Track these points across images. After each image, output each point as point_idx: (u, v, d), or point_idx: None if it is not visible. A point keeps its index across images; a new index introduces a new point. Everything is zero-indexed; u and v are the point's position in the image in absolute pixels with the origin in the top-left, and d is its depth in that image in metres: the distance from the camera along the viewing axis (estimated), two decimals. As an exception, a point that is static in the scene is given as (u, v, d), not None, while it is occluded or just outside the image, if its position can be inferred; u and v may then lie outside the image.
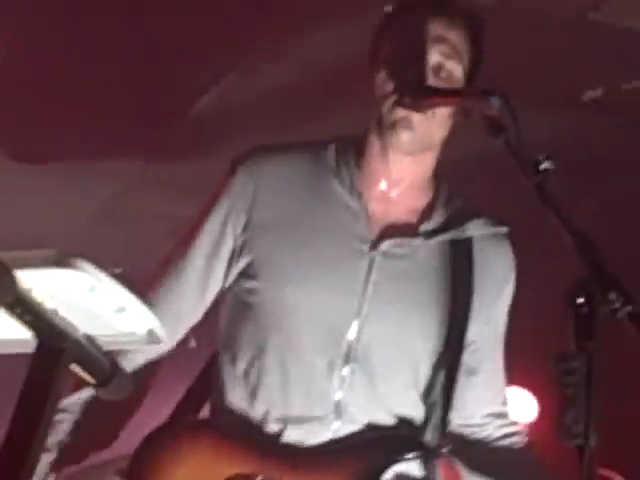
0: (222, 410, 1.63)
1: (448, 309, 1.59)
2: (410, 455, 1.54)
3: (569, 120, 3.14)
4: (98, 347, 1.00)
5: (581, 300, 1.23)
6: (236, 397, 1.60)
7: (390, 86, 1.57)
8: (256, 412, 1.57)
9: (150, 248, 2.30)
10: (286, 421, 1.54)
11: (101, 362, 1.02)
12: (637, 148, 3.27)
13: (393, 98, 1.55)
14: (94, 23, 2.84)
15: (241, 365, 1.60)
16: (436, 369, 1.60)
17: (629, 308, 1.21)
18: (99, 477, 2.84)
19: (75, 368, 1.00)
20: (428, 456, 1.57)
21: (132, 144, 3.51)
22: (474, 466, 1.66)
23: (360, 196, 1.62)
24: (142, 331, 1.00)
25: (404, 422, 1.59)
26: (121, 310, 0.95)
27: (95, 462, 2.79)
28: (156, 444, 1.56)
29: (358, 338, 1.56)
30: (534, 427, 3.98)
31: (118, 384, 1.04)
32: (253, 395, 1.58)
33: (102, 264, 0.90)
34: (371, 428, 1.56)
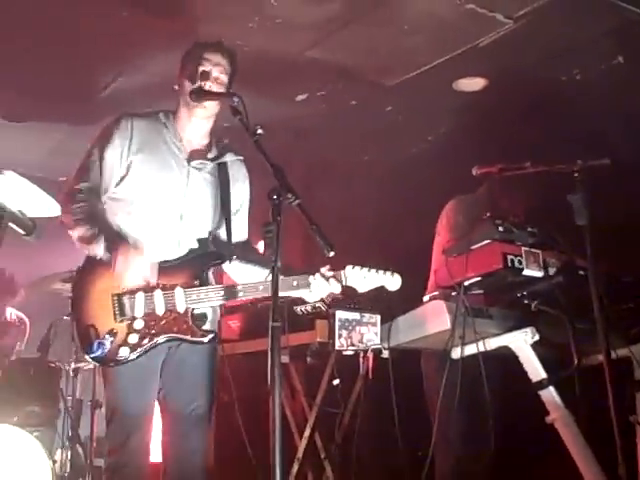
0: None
1: (221, 191, 3.05)
2: (217, 261, 2.94)
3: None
4: (24, 214, 2.18)
5: (275, 196, 2.39)
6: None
7: (189, 89, 2.95)
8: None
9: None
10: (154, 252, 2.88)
11: (25, 221, 2.18)
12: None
13: (192, 96, 2.93)
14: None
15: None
16: (219, 220, 3.05)
17: (298, 201, 2.40)
18: (51, 283, 4.31)
19: (11, 225, 2.16)
20: (224, 260, 2.96)
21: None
22: (247, 260, 3.06)
23: (180, 138, 3.03)
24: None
25: (204, 242, 2.97)
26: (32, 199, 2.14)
27: (46, 274, 4.28)
28: (83, 272, 2.88)
29: (186, 198, 2.97)
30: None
31: (36, 234, 2.22)
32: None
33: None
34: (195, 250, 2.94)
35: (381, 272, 2.83)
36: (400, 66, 4.89)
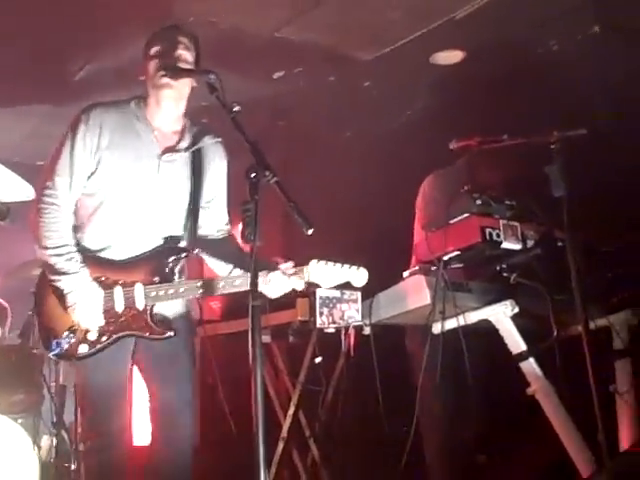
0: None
1: (193, 184, 2.95)
2: (180, 255, 2.89)
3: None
4: None
5: (252, 174, 2.37)
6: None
7: (158, 68, 2.83)
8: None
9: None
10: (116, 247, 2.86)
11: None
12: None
13: (161, 73, 2.81)
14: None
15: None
16: (188, 213, 2.95)
17: (275, 178, 2.37)
18: (30, 269, 4.31)
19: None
20: (187, 254, 2.92)
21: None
22: (212, 254, 3.02)
23: (152, 128, 2.92)
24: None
25: (173, 238, 2.91)
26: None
27: (26, 260, 4.28)
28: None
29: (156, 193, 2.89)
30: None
31: (10, 218, 2.19)
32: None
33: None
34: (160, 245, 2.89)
35: (346, 267, 2.78)
36: (376, 41, 4.85)
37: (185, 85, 2.88)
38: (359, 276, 2.80)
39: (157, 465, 2.87)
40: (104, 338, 2.78)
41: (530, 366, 3.18)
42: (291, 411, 3.92)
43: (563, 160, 2.95)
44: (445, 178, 3.79)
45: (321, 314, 3.44)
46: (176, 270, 2.88)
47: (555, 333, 3.11)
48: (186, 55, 2.87)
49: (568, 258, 2.87)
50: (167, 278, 2.82)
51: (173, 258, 2.86)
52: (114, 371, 2.84)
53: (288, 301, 3.58)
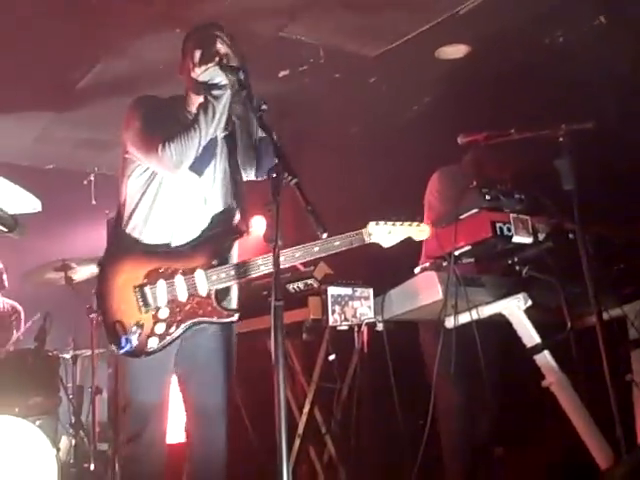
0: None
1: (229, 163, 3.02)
2: (235, 236, 2.88)
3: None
4: (4, 212, 2.19)
5: (274, 174, 2.35)
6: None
7: (200, 63, 2.79)
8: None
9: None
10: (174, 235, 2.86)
11: (7, 219, 2.18)
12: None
13: (209, 66, 2.77)
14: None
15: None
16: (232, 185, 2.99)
17: (295, 180, 2.37)
18: (44, 272, 4.38)
19: (-6, 223, 2.17)
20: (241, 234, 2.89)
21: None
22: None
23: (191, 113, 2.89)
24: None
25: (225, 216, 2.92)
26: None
27: (41, 263, 4.37)
28: (103, 268, 2.83)
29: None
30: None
31: (19, 231, 2.21)
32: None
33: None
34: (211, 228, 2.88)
35: (406, 224, 2.83)
36: (381, 37, 4.87)
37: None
38: (420, 230, 2.86)
39: (193, 464, 2.87)
40: (172, 329, 2.76)
41: (545, 359, 3.18)
42: (306, 409, 3.93)
43: (571, 153, 2.95)
44: (452, 174, 3.81)
45: (333, 312, 3.45)
46: (232, 252, 2.88)
47: (569, 325, 3.11)
48: (224, 50, 2.85)
49: (579, 250, 2.88)
50: (226, 260, 2.83)
51: (230, 239, 2.87)
52: (160, 373, 2.81)
53: (300, 300, 3.61)
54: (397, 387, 3.40)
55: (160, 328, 2.75)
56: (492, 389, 3.41)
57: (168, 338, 2.75)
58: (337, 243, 2.80)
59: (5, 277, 5.70)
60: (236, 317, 2.80)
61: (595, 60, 4.24)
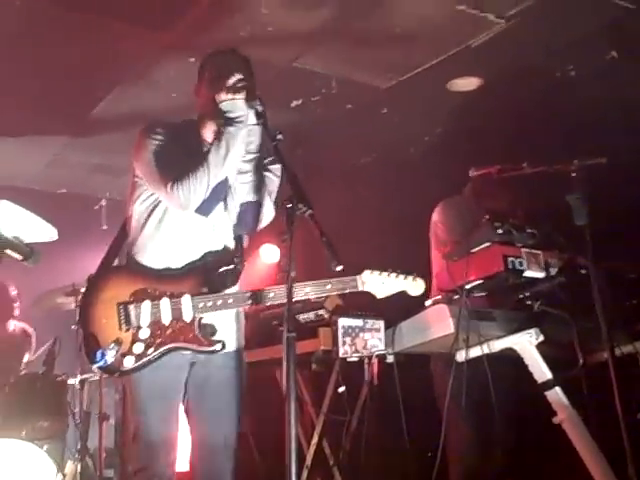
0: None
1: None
2: (229, 266, 2.81)
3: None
4: (20, 240, 2.20)
5: (289, 205, 2.35)
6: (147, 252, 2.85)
7: (219, 90, 2.77)
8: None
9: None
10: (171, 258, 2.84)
11: (22, 247, 2.20)
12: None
13: (236, 97, 2.74)
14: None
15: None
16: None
17: (310, 211, 2.35)
18: (55, 297, 4.39)
19: (8, 252, 2.17)
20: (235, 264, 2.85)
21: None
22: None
23: (205, 141, 2.86)
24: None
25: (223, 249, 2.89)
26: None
27: (51, 288, 4.38)
28: (92, 280, 2.84)
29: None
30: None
31: (34, 259, 2.23)
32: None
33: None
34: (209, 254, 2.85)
35: (402, 277, 2.75)
36: (393, 69, 4.91)
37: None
38: (416, 286, 2.77)
39: None
40: (150, 350, 2.71)
41: (556, 395, 3.16)
42: (315, 440, 3.92)
43: (584, 188, 2.96)
44: (456, 205, 3.82)
45: (344, 343, 3.45)
46: (227, 281, 2.82)
47: (581, 361, 3.10)
48: (251, 83, 2.82)
49: (592, 285, 2.87)
50: (217, 289, 2.77)
51: (224, 268, 2.81)
52: (169, 403, 2.77)
53: (310, 330, 3.61)
54: (407, 420, 3.39)
55: (138, 348, 2.70)
56: (505, 423, 3.38)
57: (144, 359, 2.70)
58: (328, 287, 2.72)
59: (17, 305, 5.71)
60: (218, 347, 2.74)
61: (607, 94, 4.26)
